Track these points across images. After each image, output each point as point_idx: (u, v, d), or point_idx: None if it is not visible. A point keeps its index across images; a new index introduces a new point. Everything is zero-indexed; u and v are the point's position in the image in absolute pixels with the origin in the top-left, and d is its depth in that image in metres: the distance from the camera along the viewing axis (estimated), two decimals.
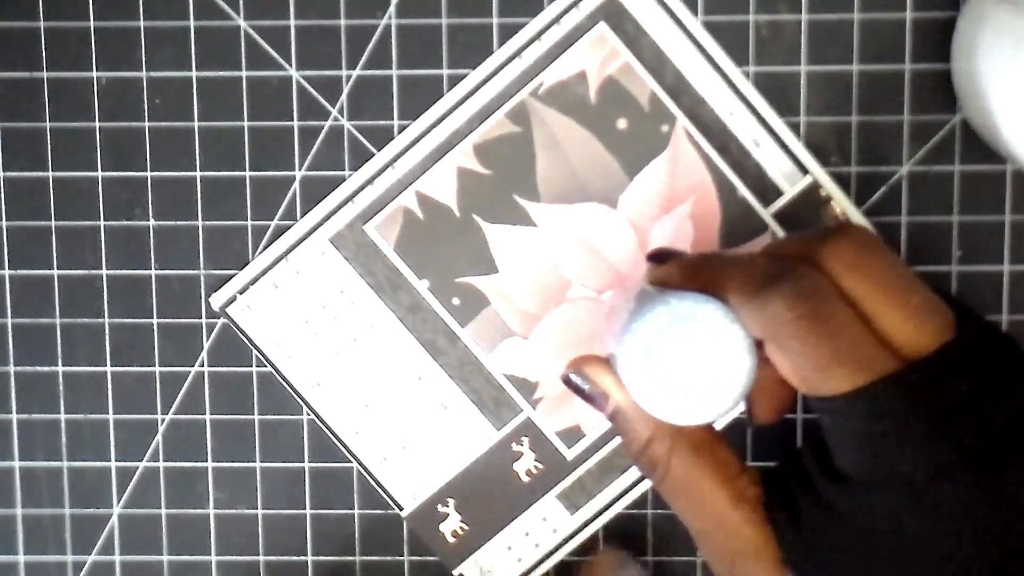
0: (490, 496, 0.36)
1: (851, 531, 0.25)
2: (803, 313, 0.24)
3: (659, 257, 0.31)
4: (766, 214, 0.35)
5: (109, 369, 0.36)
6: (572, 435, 0.36)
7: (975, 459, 0.24)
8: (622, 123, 0.35)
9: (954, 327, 0.25)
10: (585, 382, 0.29)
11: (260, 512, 0.37)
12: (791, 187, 0.35)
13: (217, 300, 0.36)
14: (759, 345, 0.26)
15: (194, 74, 0.35)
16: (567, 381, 0.29)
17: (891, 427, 0.24)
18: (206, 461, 0.36)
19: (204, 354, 0.36)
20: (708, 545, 0.28)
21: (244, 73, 0.35)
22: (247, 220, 0.36)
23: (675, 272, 0.29)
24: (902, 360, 0.25)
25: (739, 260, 0.27)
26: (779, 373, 0.26)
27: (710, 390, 0.25)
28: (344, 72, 0.35)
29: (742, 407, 0.30)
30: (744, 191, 0.35)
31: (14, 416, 0.37)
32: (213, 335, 0.36)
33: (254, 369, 0.36)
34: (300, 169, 0.36)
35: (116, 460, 0.37)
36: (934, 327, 0.25)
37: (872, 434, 0.24)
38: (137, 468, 0.37)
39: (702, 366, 0.25)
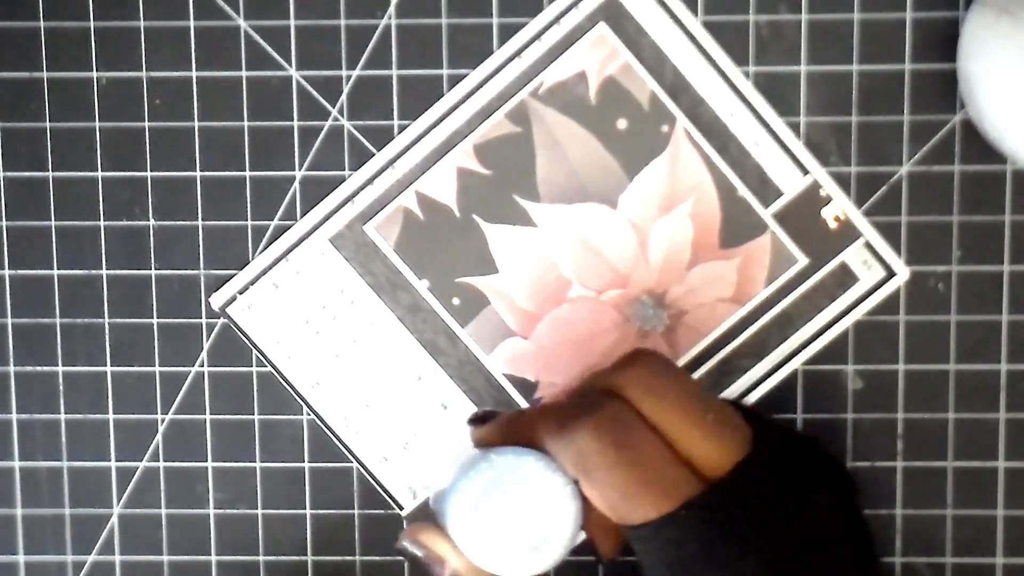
0: None
1: None
2: (608, 442, 0.26)
3: (480, 420, 0.31)
4: (766, 214, 0.35)
5: (109, 369, 0.36)
6: None
7: (780, 571, 0.25)
8: (622, 123, 0.35)
9: (751, 440, 0.27)
10: (420, 549, 0.29)
11: (260, 512, 0.37)
12: (791, 187, 0.35)
13: (217, 300, 0.36)
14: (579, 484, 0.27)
15: (194, 74, 0.35)
16: (402, 551, 0.29)
17: (698, 551, 0.25)
18: (206, 461, 0.36)
19: (204, 354, 0.36)
20: None
21: (244, 73, 0.35)
22: (247, 220, 0.36)
23: (494, 431, 0.30)
24: (705, 480, 0.26)
25: (548, 406, 0.29)
26: None
27: (540, 540, 0.26)
28: (344, 72, 0.35)
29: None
30: (744, 191, 0.35)
31: (14, 416, 0.37)
32: (213, 335, 0.36)
33: (254, 369, 0.36)
34: (300, 169, 0.36)
35: (116, 460, 0.37)
36: (732, 443, 0.26)
37: (682, 559, 0.25)
38: (137, 468, 0.37)
39: (529, 518, 0.26)
